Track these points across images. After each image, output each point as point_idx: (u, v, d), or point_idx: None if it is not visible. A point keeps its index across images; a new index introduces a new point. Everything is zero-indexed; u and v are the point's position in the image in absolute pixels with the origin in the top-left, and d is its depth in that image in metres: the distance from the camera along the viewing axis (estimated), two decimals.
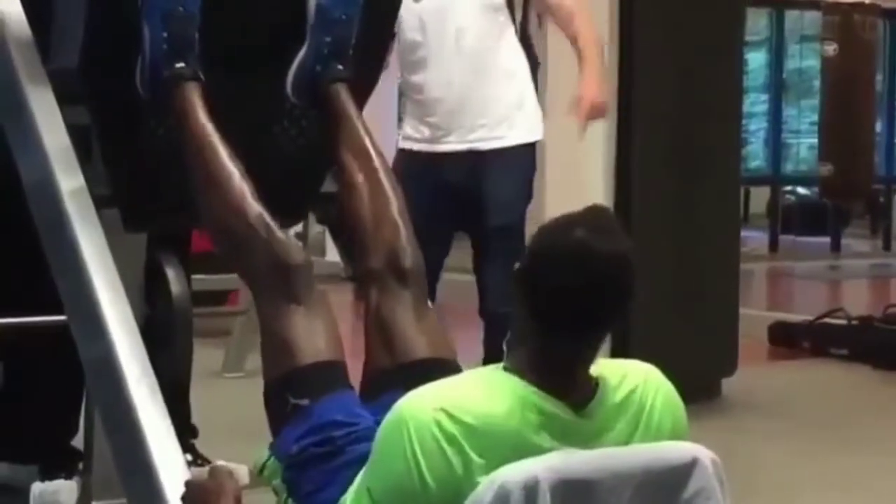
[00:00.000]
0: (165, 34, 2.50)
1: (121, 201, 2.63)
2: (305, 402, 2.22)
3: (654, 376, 2.03)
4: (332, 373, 2.25)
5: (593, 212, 1.97)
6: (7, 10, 2.59)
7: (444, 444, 1.85)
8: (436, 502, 1.86)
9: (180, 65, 2.51)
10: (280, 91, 2.66)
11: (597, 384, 1.97)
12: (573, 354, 1.94)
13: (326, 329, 2.32)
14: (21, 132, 2.55)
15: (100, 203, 2.46)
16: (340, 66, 2.64)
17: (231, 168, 2.43)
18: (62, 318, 2.45)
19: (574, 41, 4.15)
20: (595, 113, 4.12)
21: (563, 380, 1.94)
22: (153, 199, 2.67)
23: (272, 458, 2.24)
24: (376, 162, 2.59)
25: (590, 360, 1.97)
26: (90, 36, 2.55)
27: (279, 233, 2.39)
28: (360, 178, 2.56)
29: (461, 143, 4.07)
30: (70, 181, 2.46)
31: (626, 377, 2.01)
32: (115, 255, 2.41)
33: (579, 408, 1.94)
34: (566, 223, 1.94)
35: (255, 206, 2.40)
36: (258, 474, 2.30)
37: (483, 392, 1.91)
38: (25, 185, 2.54)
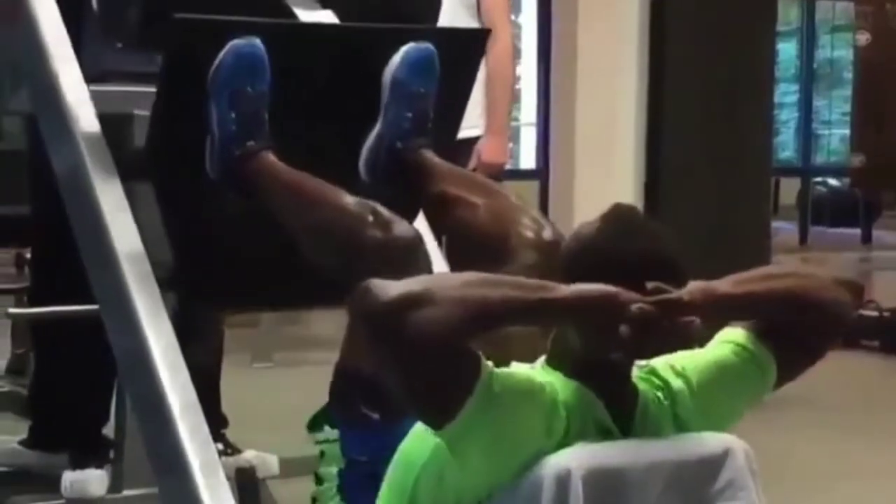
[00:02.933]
0: (234, 114, 2.43)
1: (185, 284, 2.58)
2: (375, 416, 2.18)
3: (669, 364, 2.02)
4: None
5: (631, 214, 1.94)
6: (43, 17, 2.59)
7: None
8: None
9: (251, 143, 2.43)
10: (352, 173, 2.55)
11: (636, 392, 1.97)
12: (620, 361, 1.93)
13: None
14: (52, 120, 2.56)
15: (163, 286, 2.42)
16: (421, 139, 2.55)
17: (321, 184, 2.35)
18: (94, 307, 2.46)
19: (491, 91, 4.19)
20: (491, 172, 4.16)
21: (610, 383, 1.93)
22: (220, 279, 2.62)
23: (333, 443, 2.22)
24: (478, 177, 2.54)
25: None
26: (159, 117, 2.49)
27: (385, 210, 2.28)
28: (468, 191, 2.46)
29: None
30: (102, 171, 2.46)
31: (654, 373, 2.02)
32: (147, 246, 2.41)
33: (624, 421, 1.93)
34: (620, 230, 1.90)
35: (357, 200, 2.30)
36: (309, 430, 2.26)
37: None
38: (57, 175, 2.54)
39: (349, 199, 2.31)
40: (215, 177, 2.47)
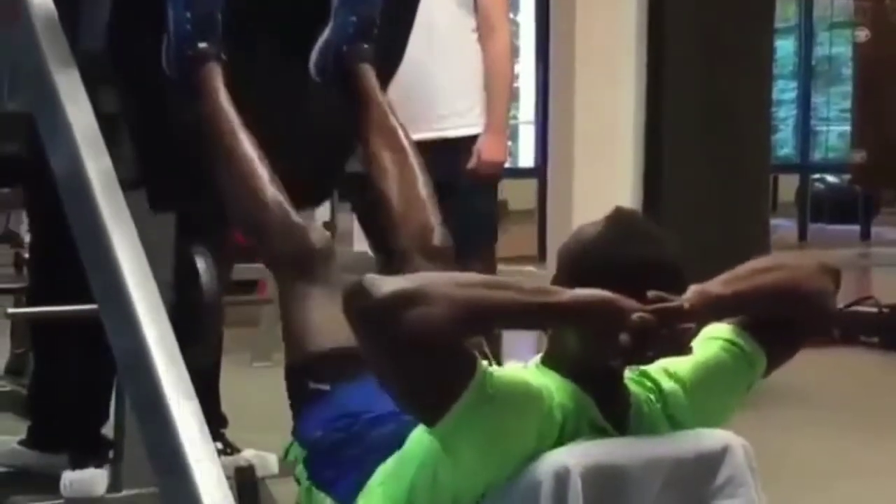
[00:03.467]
0: (189, 14, 2.52)
1: (148, 181, 2.63)
2: (326, 387, 2.22)
3: (661, 366, 2.03)
4: (352, 358, 2.22)
5: (632, 218, 1.95)
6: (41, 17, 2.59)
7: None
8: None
9: (203, 45, 2.52)
10: (303, 70, 2.65)
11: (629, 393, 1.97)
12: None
13: None
14: (51, 120, 2.56)
15: (125, 185, 2.46)
16: (366, 46, 2.64)
17: (249, 152, 2.43)
18: (93, 307, 2.46)
19: (489, 89, 4.20)
20: (490, 170, 4.18)
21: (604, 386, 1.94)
22: (180, 177, 2.67)
23: (294, 444, 2.23)
24: (404, 142, 2.59)
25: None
26: (116, 17, 2.56)
27: (297, 217, 2.39)
28: (387, 157, 2.56)
29: (432, 132, 4.06)
30: (100, 170, 2.47)
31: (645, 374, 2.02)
32: (146, 245, 2.41)
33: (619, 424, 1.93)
34: (623, 236, 1.90)
35: (273, 191, 2.40)
36: (284, 460, 2.29)
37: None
38: (56, 174, 2.54)
39: (269, 191, 2.39)
40: (172, 76, 2.55)
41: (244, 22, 2.56)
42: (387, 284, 1.79)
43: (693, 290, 1.88)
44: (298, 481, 2.23)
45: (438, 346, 1.78)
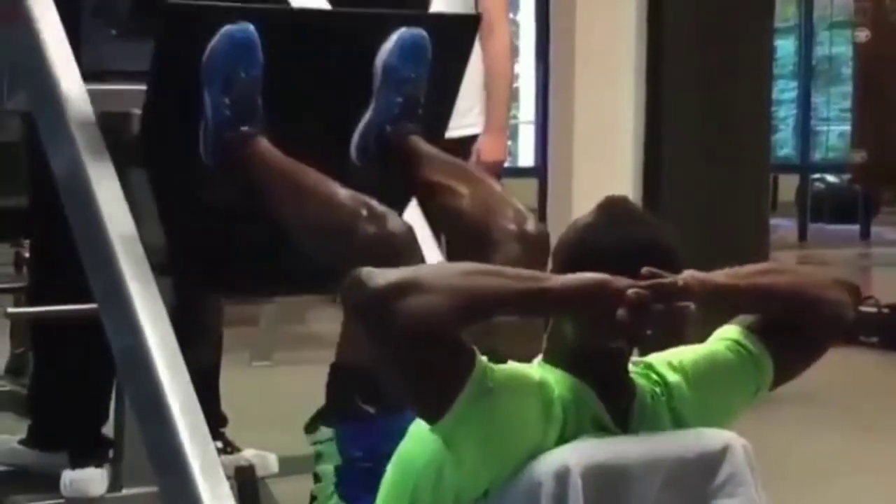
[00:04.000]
0: (227, 100, 2.44)
1: (179, 269, 2.59)
2: (372, 410, 2.18)
3: (666, 359, 2.03)
4: None
5: (624, 204, 1.95)
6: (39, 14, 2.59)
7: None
8: None
9: (245, 128, 2.44)
10: (344, 157, 2.57)
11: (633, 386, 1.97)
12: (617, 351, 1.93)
13: None
14: (51, 120, 2.56)
15: (157, 271, 2.42)
16: (411, 125, 2.56)
17: (318, 175, 2.36)
18: (93, 306, 2.46)
19: (489, 93, 4.19)
20: (490, 170, 4.18)
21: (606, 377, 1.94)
22: (214, 265, 2.63)
23: (330, 441, 2.22)
24: (471, 169, 2.56)
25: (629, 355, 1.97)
26: (151, 103, 2.50)
27: (380, 205, 2.29)
28: (457, 182, 2.47)
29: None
30: (100, 170, 2.47)
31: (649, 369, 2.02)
32: (145, 243, 2.41)
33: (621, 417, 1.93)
34: (615, 220, 1.91)
35: (347, 191, 2.32)
36: (306, 432, 2.27)
37: None
38: (56, 174, 2.54)
39: (342, 192, 2.32)
40: (210, 162, 2.47)
41: (283, 106, 2.50)
42: (382, 275, 1.79)
43: (689, 272, 1.88)
44: (317, 478, 2.22)
45: (436, 336, 1.78)
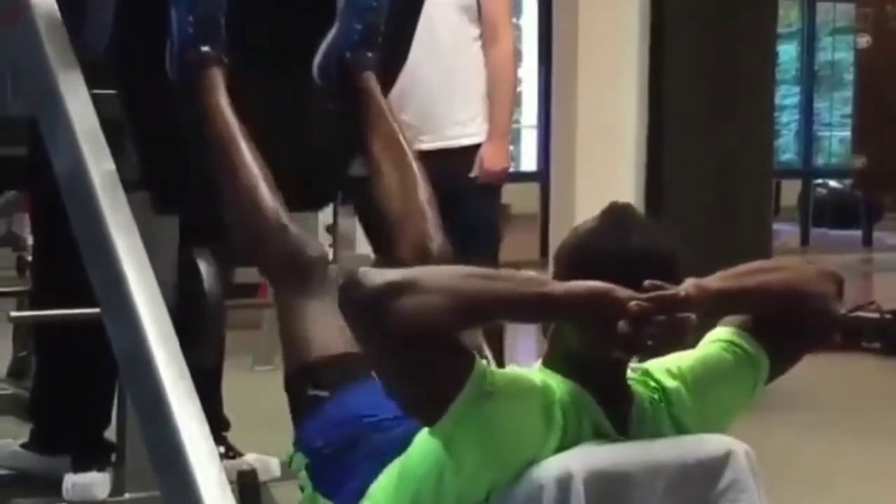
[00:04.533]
0: (191, 18, 2.53)
1: (150, 183, 2.64)
2: (325, 393, 2.22)
3: (663, 366, 2.03)
4: (352, 363, 2.20)
5: (626, 211, 1.95)
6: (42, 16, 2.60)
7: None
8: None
9: (206, 48, 2.53)
10: (306, 75, 2.66)
11: (631, 392, 1.97)
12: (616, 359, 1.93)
13: None
14: (52, 121, 2.56)
15: (129, 187, 2.46)
16: (370, 54, 2.66)
17: (249, 159, 2.45)
18: (95, 310, 2.46)
19: (491, 97, 4.19)
20: (493, 178, 4.20)
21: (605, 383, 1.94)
22: (183, 180, 2.68)
23: (297, 453, 2.23)
24: (405, 149, 2.60)
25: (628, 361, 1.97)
26: (119, 20, 2.57)
27: (294, 227, 2.40)
28: (388, 164, 2.58)
29: (434, 142, 4.05)
30: (102, 171, 2.47)
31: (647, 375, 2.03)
32: (148, 248, 2.41)
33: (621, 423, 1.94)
34: (617, 228, 1.91)
35: (271, 199, 2.41)
36: (289, 467, 2.30)
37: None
38: (58, 176, 2.55)
39: (267, 198, 2.40)
40: (173, 78, 2.55)
41: (247, 26, 2.57)
42: (380, 276, 1.79)
43: (690, 282, 1.88)
44: (303, 489, 2.23)
45: (433, 337, 1.78)
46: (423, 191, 2.55)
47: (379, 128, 2.63)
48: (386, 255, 2.54)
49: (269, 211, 2.40)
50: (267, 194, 2.42)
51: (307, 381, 2.25)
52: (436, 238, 2.48)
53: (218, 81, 2.53)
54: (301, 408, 2.26)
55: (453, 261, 2.42)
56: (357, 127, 2.66)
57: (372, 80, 2.66)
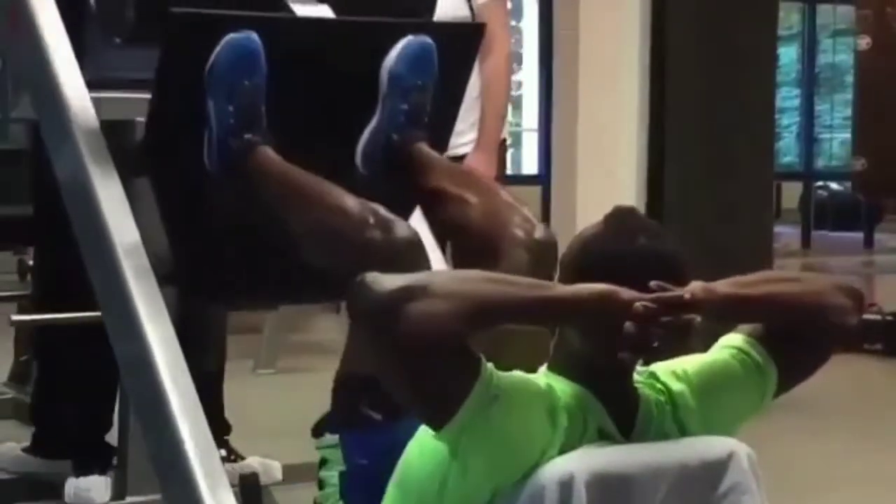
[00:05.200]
0: (232, 108, 2.44)
1: (184, 279, 2.58)
2: (377, 416, 2.18)
3: (670, 369, 2.03)
4: None
5: (632, 214, 1.95)
6: (38, 2, 2.59)
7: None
8: None
9: (248, 136, 2.44)
10: (349, 164, 2.56)
11: (637, 395, 1.97)
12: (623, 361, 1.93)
13: None
14: (54, 124, 2.56)
15: (162, 281, 2.42)
16: (418, 132, 2.55)
17: (324, 184, 2.35)
18: (97, 314, 2.46)
19: (483, 107, 4.17)
20: None
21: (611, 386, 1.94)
22: (219, 275, 2.62)
23: (334, 449, 2.22)
24: (472, 173, 2.53)
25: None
26: (155, 111, 2.50)
27: (387, 212, 2.28)
28: (464, 189, 2.45)
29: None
30: (104, 178, 2.47)
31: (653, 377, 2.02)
32: (150, 252, 2.41)
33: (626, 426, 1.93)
34: (622, 231, 1.91)
35: (354, 199, 2.30)
36: (312, 435, 2.27)
37: None
38: (60, 180, 2.54)
39: (349, 199, 2.31)
40: (214, 170, 2.47)
41: (287, 113, 2.50)
42: (388, 280, 1.79)
43: (696, 284, 1.88)
44: (321, 485, 2.22)
45: (441, 341, 1.78)
46: (506, 194, 2.45)
47: (445, 171, 2.53)
48: (486, 259, 2.40)
49: (353, 205, 2.29)
50: (347, 194, 2.31)
51: (362, 395, 2.19)
52: (537, 225, 2.35)
53: (270, 152, 2.43)
54: (349, 416, 2.22)
55: (557, 251, 2.34)
56: (413, 189, 2.54)
57: (425, 148, 2.55)
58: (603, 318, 1.82)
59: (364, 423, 2.18)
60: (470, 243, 2.39)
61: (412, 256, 2.21)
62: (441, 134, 2.71)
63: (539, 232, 2.34)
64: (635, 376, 1.99)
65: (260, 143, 2.44)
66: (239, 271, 2.57)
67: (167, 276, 2.48)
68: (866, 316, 6.72)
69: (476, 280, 1.83)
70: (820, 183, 13.18)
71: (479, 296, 1.80)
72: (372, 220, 2.25)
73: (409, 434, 1.98)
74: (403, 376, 1.83)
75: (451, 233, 2.52)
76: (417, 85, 2.55)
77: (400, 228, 2.25)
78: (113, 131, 2.56)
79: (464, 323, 1.78)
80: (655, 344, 1.85)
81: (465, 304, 1.78)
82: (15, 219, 3.58)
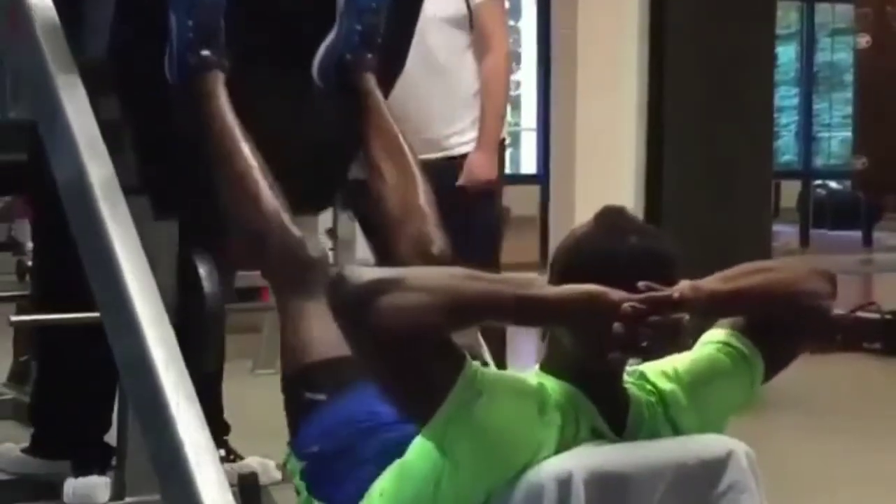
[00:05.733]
0: (191, 22, 2.52)
1: (150, 188, 2.64)
2: (321, 397, 2.21)
3: (659, 369, 2.03)
4: (349, 367, 2.14)
5: (621, 214, 1.95)
6: (36, 3, 2.60)
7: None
8: None
9: (206, 52, 2.53)
10: (306, 77, 2.67)
11: (627, 395, 1.97)
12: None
13: None
14: (53, 128, 2.56)
15: (127, 191, 2.46)
16: (370, 55, 2.66)
17: (250, 160, 2.44)
18: (96, 315, 2.46)
19: (482, 106, 4.19)
20: (480, 188, 4.19)
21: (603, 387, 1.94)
22: (182, 184, 2.68)
23: (291, 456, 2.23)
24: (405, 150, 2.61)
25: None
26: (119, 24, 2.57)
27: (295, 229, 2.40)
28: (388, 165, 2.58)
29: (433, 152, 4.04)
30: (102, 175, 2.47)
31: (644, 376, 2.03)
32: (148, 252, 2.41)
33: (618, 426, 1.94)
34: (612, 230, 1.91)
35: (272, 201, 2.41)
36: (283, 468, 2.29)
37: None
38: (58, 181, 2.55)
39: (267, 196, 2.40)
40: (173, 82, 2.55)
41: (246, 29, 2.57)
42: (367, 274, 1.79)
43: (684, 283, 1.88)
44: (298, 492, 2.22)
45: (420, 336, 1.78)
46: (424, 192, 2.55)
47: (379, 128, 2.64)
48: (386, 257, 2.54)
49: (270, 211, 2.40)
50: (268, 195, 2.42)
51: (304, 384, 2.25)
52: (436, 239, 2.48)
53: (218, 85, 2.53)
54: (297, 411, 2.26)
55: (454, 262, 2.41)
56: (357, 128, 2.66)
57: (372, 81, 2.67)
58: (592, 319, 1.82)
59: (311, 408, 2.20)
60: (374, 227, 2.49)
61: (317, 275, 2.33)
62: (394, 59, 2.80)
63: (435, 248, 2.45)
64: (625, 377, 1.99)
65: (215, 65, 2.52)
66: (204, 184, 2.58)
67: (134, 188, 2.52)
68: (865, 315, 6.73)
69: (457, 276, 1.83)
70: (819, 182, 13.19)
71: (458, 291, 1.80)
72: (279, 232, 2.38)
73: (349, 404, 2.01)
74: (383, 370, 1.83)
75: (363, 200, 2.63)
76: (371, 6, 2.65)
77: (305, 250, 2.38)
78: (111, 132, 2.57)
79: (440, 317, 1.78)
80: (645, 344, 1.85)
81: (442, 299, 1.78)
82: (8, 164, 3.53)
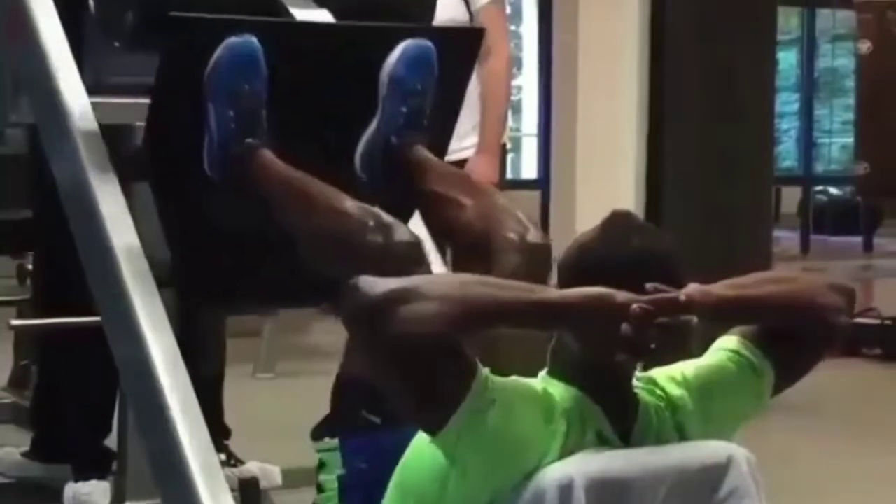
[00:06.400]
0: (232, 113, 2.44)
1: (181, 279, 2.57)
2: (377, 420, 2.19)
3: (668, 374, 2.03)
4: None
5: (627, 217, 1.96)
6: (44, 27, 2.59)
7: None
8: None
9: (249, 141, 2.44)
10: (349, 168, 2.57)
11: (637, 400, 1.97)
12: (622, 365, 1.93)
13: None
14: (53, 128, 2.56)
15: (161, 284, 2.42)
16: (416, 136, 2.55)
17: (327, 187, 2.35)
18: (96, 318, 2.46)
19: (483, 114, 4.18)
20: None
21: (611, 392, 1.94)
22: (218, 279, 2.63)
23: (335, 452, 2.22)
24: (474, 182, 2.53)
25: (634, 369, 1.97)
26: (155, 116, 2.50)
27: (387, 216, 2.29)
28: (457, 191, 2.47)
29: None
30: (103, 182, 2.47)
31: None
32: (149, 256, 2.41)
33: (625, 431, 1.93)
34: (618, 234, 1.91)
35: (355, 202, 2.31)
36: (312, 439, 2.27)
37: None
38: (59, 184, 2.55)
39: (349, 203, 2.32)
40: (214, 175, 2.47)
41: (287, 119, 2.50)
42: (380, 284, 1.79)
43: (693, 286, 1.89)
44: (319, 488, 2.22)
45: (434, 344, 1.78)
46: (499, 197, 2.47)
47: (442, 175, 2.53)
48: (471, 254, 2.40)
49: (353, 208, 2.30)
50: (347, 198, 2.32)
51: (363, 400, 2.19)
52: (531, 230, 2.35)
53: (271, 156, 2.43)
54: (349, 422, 2.23)
55: (550, 253, 2.33)
56: (412, 192, 2.55)
57: (424, 151, 2.56)
58: (599, 321, 1.83)
59: (364, 427, 2.18)
60: (465, 246, 2.39)
61: (412, 260, 2.21)
62: (440, 138, 2.72)
63: (532, 235, 2.34)
64: (634, 382, 1.99)
65: (261, 148, 2.43)
66: (238, 276, 2.57)
67: (166, 279, 2.48)
68: (865, 321, 6.73)
69: (468, 283, 1.83)
70: (819, 187, 13.18)
71: (470, 299, 1.80)
72: (372, 224, 2.26)
73: (408, 440, 1.97)
74: (396, 380, 1.83)
75: (447, 235, 2.53)
76: (417, 88, 2.56)
77: (400, 232, 2.26)
78: (112, 136, 2.56)
79: (454, 325, 1.78)
80: (653, 346, 1.85)
81: (455, 307, 1.78)
82: (13, 223, 3.59)
